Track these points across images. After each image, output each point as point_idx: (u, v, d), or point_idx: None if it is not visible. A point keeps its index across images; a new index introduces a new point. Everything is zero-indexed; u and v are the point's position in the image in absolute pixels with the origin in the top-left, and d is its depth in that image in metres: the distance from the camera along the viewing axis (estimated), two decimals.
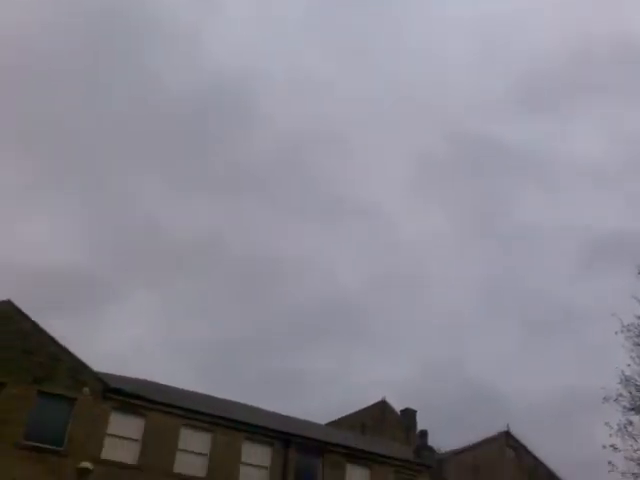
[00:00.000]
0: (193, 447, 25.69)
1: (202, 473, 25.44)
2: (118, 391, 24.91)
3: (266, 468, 26.91)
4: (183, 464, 25.15)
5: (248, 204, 74.75)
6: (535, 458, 34.31)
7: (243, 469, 26.37)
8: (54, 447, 22.92)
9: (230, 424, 26.74)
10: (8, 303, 24.18)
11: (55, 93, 66.04)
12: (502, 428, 33.92)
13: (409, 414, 45.20)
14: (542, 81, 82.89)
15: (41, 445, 22.67)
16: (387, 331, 70.09)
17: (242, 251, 71.39)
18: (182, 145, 70.64)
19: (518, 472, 33.18)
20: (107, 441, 23.96)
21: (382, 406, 44.74)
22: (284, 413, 32.46)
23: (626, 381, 22.21)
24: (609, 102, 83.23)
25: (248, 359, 59.35)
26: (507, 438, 33.67)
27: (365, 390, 59.56)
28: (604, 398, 21.91)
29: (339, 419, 42.11)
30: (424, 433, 33.45)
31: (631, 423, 21.40)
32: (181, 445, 25.43)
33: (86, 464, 20.58)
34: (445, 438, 36.09)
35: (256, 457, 26.90)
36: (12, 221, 61.96)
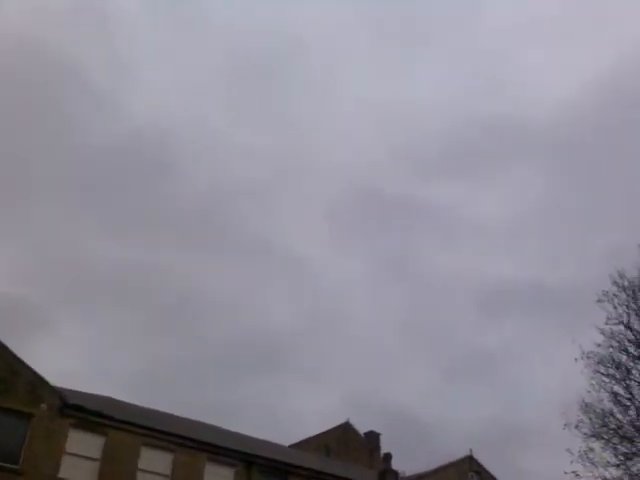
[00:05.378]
0: (154, 467, 25.07)
1: None
2: (77, 407, 24.19)
3: None
4: None
5: (179, 244, 78.61)
6: None
7: None
8: (9, 465, 22.15)
9: (192, 444, 26.17)
10: None
11: None
12: (464, 453, 33.94)
13: (373, 437, 45.06)
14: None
15: None
16: (314, 364, 72.80)
17: (170, 286, 73.93)
18: (105, 191, 74.41)
19: None
20: (65, 460, 23.23)
21: (345, 428, 44.50)
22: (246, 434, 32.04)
23: (586, 407, 22.52)
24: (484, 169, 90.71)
25: (184, 390, 59.60)
26: (470, 463, 33.65)
27: (301, 419, 60.86)
28: (565, 424, 22.19)
29: (302, 441, 41.70)
30: (388, 456, 33.24)
31: (592, 450, 21.67)
32: (142, 465, 24.80)
33: None
34: (405, 462, 35.91)
35: (219, 478, 26.39)
36: None
